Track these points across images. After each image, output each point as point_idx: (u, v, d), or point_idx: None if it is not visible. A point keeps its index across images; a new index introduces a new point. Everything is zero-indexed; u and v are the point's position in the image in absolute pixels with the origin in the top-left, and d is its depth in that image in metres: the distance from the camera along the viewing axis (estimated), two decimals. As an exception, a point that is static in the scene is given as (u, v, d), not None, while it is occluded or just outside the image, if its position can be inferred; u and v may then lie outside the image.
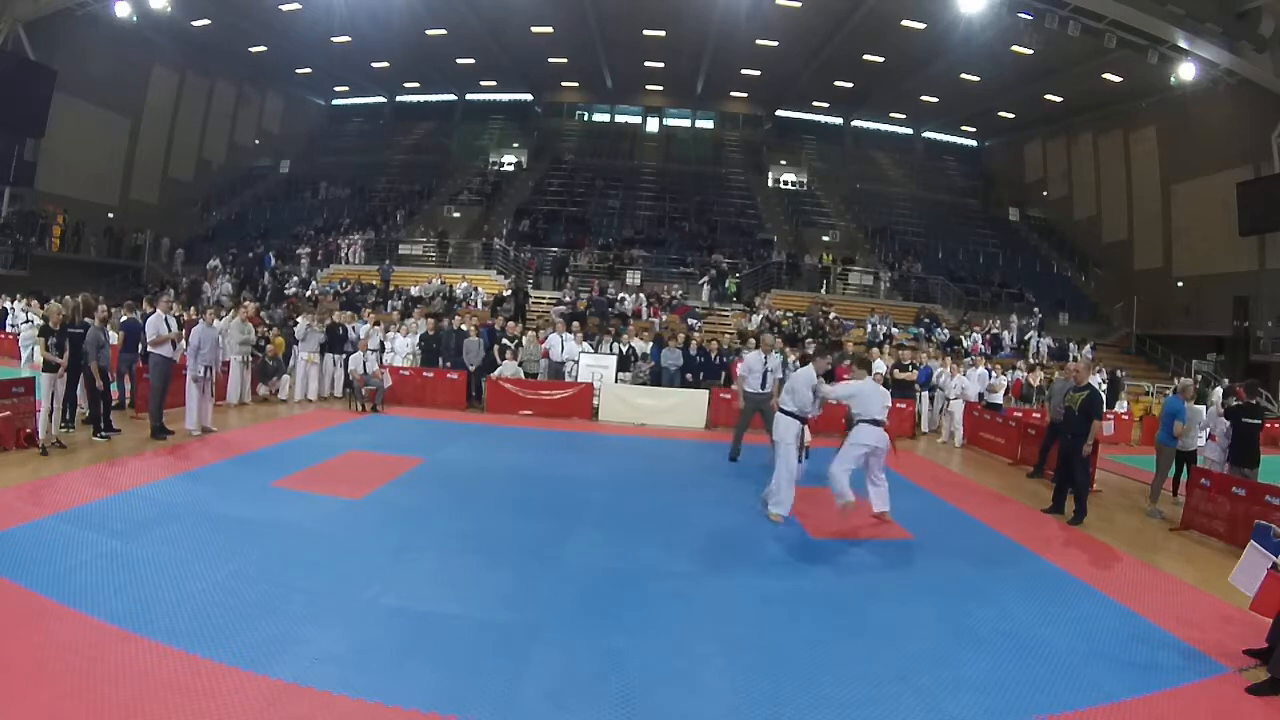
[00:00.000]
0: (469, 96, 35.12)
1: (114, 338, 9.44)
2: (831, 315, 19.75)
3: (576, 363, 12.81)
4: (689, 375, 12.82)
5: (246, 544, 4.86)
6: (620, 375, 12.71)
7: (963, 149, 35.93)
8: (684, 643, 3.89)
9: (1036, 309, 22.95)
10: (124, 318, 9.45)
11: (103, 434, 7.74)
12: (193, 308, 14.07)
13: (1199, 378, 18.56)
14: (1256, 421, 7.30)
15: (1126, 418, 15.03)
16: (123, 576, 4.14)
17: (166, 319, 8.39)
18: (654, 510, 6.68)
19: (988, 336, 19.51)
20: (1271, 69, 18.23)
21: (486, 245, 23.83)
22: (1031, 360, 17.29)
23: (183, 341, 8.76)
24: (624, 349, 13.29)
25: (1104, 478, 9.15)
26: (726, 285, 20.86)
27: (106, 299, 11.38)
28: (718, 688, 3.45)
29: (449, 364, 12.59)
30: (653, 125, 35.45)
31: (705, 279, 21.35)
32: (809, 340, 16.12)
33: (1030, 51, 20.54)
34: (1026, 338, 20.17)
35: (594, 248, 24.31)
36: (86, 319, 7.79)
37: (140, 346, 9.28)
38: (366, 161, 32.51)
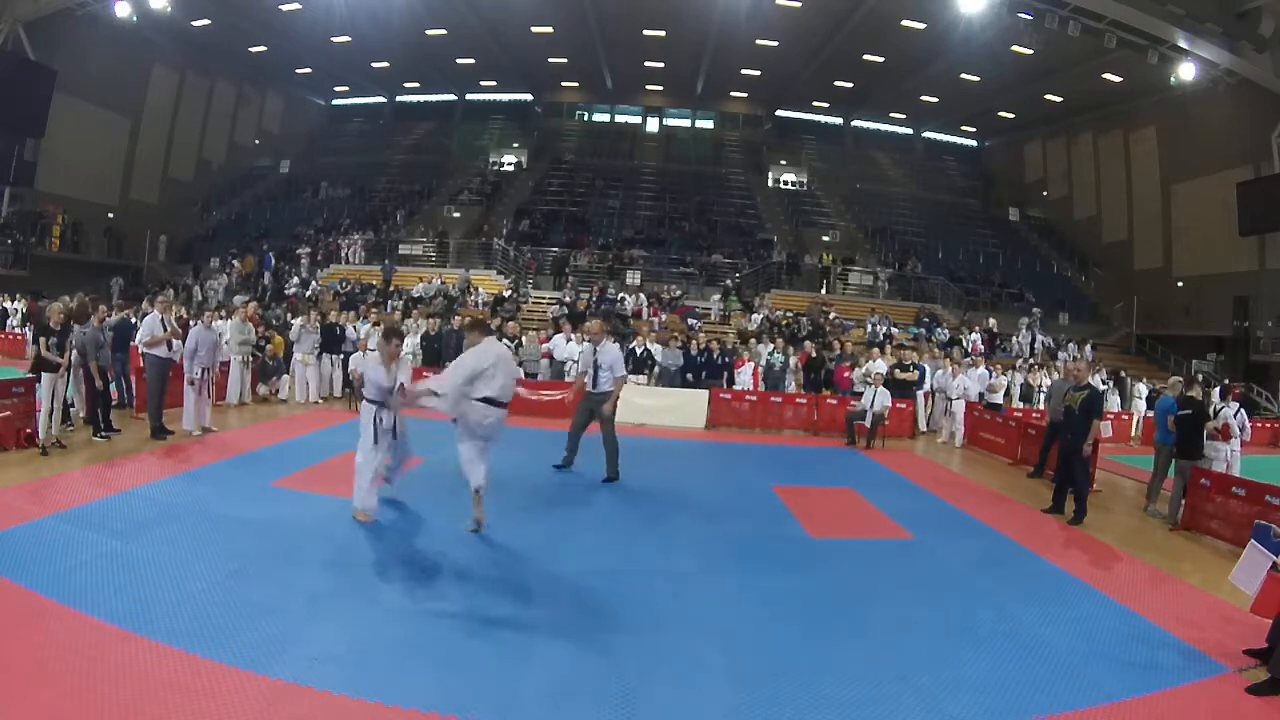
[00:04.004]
0: (469, 96, 35.06)
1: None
2: (831, 315, 19.75)
3: (577, 363, 12.80)
4: (689, 375, 12.81)
5: (246, 544, 4.85)
6: (635, 378, 12.66)
7: (963, 149, 35.88)
8: (684, 643, 3.89)
9: (1035, 309, 22.86)
10: (115, 317, 9.41)
11: (103, 434, 7.74)
12: (185, 309, 14.06)
13: (1199, 377, 18.53)
14: (1187, 412, 7.35)
15: (1127, 417, 15.04)
16: (123, 576, 4.13)
17: (163, 319, 8.38)
18: (653, 510, 6.67)
19: (986, 337, 19.47)
20: (1271, 69, 18.22)
21: (486, 245, 23.83)
22: (1031, 360, 17.26)
23: (178, 342, 8.73)
24: (639, 351, 13.10)
25: (1104, 478, 9.15)
26: (729, 300, 20.74)
27: (106, 300, 11.36)
28: (718, 688, 3.45)
29: (449, 364, 12.56)
30: (653, 125, 35.39)
31: (716, 294, 21.28)
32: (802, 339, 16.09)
33: (1030, 51, 20.50)
34: (1035, 344, 19.97)
35: (594, 248, 24.30)
36: (76, 320, 7.72)
37: (130, 346, 9.25)
38: (366, 161, 32.46)
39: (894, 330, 18.99)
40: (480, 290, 19.92)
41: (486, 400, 5.34)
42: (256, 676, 3.20)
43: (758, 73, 29.35)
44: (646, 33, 25.43)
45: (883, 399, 11.17)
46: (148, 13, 20.86)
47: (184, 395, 8.38)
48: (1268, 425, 15.52)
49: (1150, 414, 15.20)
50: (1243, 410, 8.36)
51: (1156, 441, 8.04)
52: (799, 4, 22.10)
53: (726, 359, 13.23)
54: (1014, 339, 20.02)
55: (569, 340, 13.12)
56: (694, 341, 13.60)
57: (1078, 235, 29.23)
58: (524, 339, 13.15)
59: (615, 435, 7.50)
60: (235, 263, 22.78)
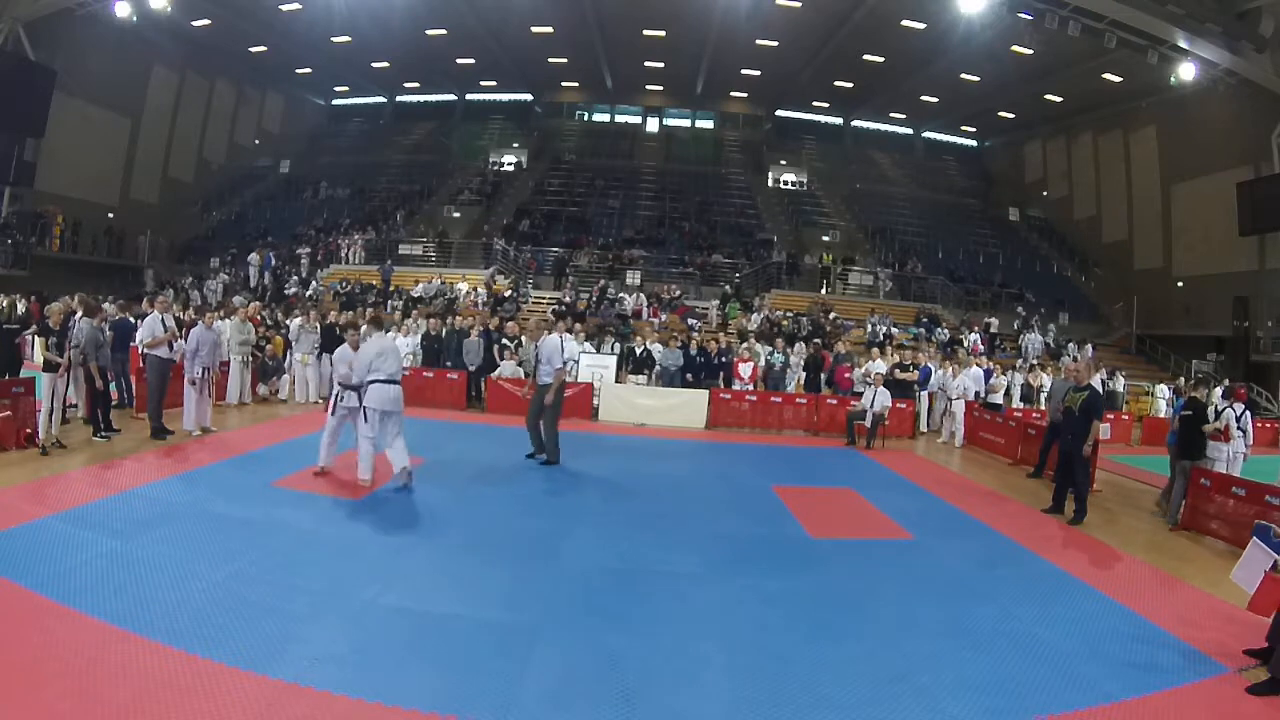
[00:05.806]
0: (469, 96, 35.10)
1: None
2: (831, 315, 19.74)
3: (576, 363, 12.81)
4: (689, 375, 12.82)
5: (246, 544, 4.85)
6: (636, 378, 12.68)
7: (963, 149, 35.91)
8: (684, 643, 3.89)
9: (1020, 310, 22.87)
10: (115, 316, 9.41)
11: (103, 434, 7.74)
12: (189, 308, 14.03)
13: (1200, 376, 18.55)
14: (1189, 413, 7.40)
15: (1127, 418, 15.04)
16: (123, 576, 4.13)
17: (163, 319, 8.38)
18: (653, 510, 6.68)
19: (985, 336, 19.46)
20: (1271, 69, 18.21)
21: (486, 245, 23.82)
22: (1032, 360, 17.27)
23: (179, 341, 8.73)
24: (639, 351, 13.14)
25: (1104, 478, 9.15)
26: (730, 305, 20.69)
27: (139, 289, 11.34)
28: (718, 688, 3.45)
29: (449, 364, 12.59)
30: (653, 125, 35.41)
31: (716, 298, 21.24)
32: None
33: (1030, 51, 20.52)
34: (1039, 342, 19.88)
35: (594, 248, 24.29)
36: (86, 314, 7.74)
37: (130, 346, 9.25)
38: (366, 161, 32.47)
39: (894, 330, 18.99)
40: (479, 290, 19.90)
41: (386, 380, 6.55)
42: (256, 676, 3.20)
43: (758, 73, 29.36)
44: (646, 33, 25.44)
45: (883, 399, 11.17)
46: (148, 13, 20.84)
47: (184, 395, 8.39)
48: (1268, 425, 15.52)
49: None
50: (1247, 413, 8.23)
51: (1168, 441, 8.06)
52: (799, 4, 22.10)
53: (725, 359, 13.24)
54: (1021, 339, 19.99)
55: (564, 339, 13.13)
56: (693, 341, 13.61)
57: (1078, 235, 29.25)
58: (523, 339, 13.13)
59: (555, 425, 8.03)
60: (254, 254, 22.90)
